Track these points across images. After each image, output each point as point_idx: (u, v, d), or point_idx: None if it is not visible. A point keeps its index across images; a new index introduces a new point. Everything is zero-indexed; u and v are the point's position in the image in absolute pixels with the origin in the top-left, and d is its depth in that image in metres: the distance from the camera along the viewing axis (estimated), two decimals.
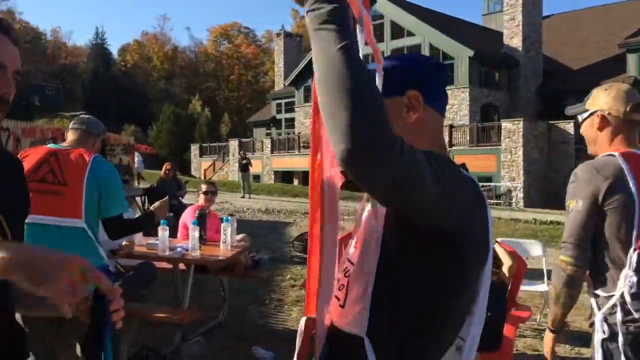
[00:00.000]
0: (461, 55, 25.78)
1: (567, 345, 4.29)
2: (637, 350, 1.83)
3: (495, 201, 20.92)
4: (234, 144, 32.39)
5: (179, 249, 4.21)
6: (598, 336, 1.91)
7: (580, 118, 2.13)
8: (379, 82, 1.19)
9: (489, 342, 3.45)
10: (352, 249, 1.27)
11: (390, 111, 1.16)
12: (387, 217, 1.13)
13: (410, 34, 28.44)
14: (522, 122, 21.68)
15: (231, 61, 65.94)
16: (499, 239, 4.92)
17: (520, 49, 26.55)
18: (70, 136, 2.90)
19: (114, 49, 72.26)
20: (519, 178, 21.57)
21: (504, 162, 21.90)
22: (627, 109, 1.96)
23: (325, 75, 0.95)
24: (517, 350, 4.35)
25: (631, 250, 1.83)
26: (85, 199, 2.64)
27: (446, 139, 23.43)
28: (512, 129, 21.74)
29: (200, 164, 35.54)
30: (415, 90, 1.20)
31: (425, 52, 27.65)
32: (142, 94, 58.45)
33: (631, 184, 1.86)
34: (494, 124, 23.43)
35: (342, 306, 1.21)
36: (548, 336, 2.13)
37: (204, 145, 37.08)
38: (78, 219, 2.64)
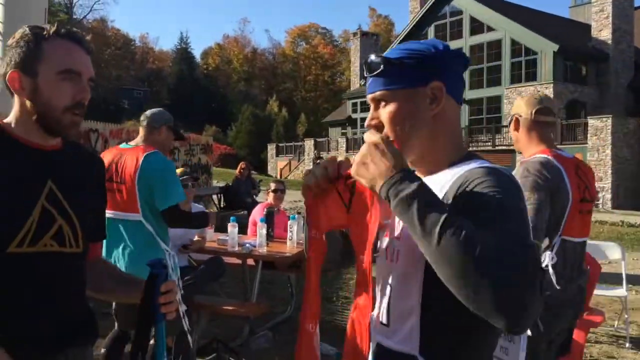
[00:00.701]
0: (545, 49, 24.67)
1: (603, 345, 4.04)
2: (543, 318, 2.18)
3: None
4: (309, 143, 32.80)
5: (247, 245, 4.35)
6: None
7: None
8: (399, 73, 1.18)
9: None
10: (385, 261, 1.24)
11: (413, 102, 1.17)
12: None
13: (490, 29, 27.55)
14: (610, 119, 20.45)
15: (308, 62, 66.68)
16: None
17: (609, 41, 25.02)
18: (139, 133, 3.12)
19: (197, 52, 75.25)
20: (607, 178, 20.36)
21: (590, 161, 20.72)
22: (533, 111, 2.34)
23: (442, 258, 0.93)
24: (591, 356, 4.15)
25: (557, 236, 2.25)
26: (139, 195, 2.88)
27: None
28: (600, 127, 20.55)
29: (276, 164, 36.26)
30: (438, 81, 1.18)
31: (507, 47, 26.72)
32: (222, 95, 60.40)
33: (568, 185, 2.24)
34: (579, 121, 22.25)
35: (387, 325, 1.20)
36: None
37: (280, 145, 37.78)
38: (136, 214, 2.89)
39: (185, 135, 3.80)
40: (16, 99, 1.34)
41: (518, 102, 2.46)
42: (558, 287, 2.24)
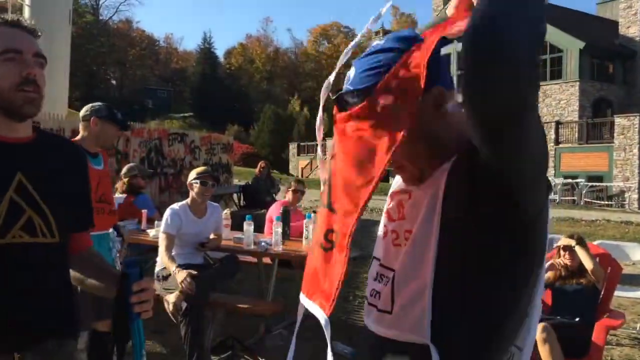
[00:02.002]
0: (571, 47, 24.26)
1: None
2: None
3: (607, 202, 19.49)
4: (330, 143, 32.76)
5: (262, 244, 4.37)
6: None
7: None
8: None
9: (576, 347, 3.27)
10: (383, 251, 1.18)
11: (419, 117, 1.03)
12: (446, 214, 1.02)
13: None
14: (637, 117, 20.04)
15: (330, 61, 66.56)
16: (596, 242, 4.61)
17: (638, 38, 24.53)
18: None
19: (220, 52, 75.70)
20: (634, 178, 19.92)
21: (616, 160, 20.34)
22: None
23: None
24: (612, 359, 4.06)
25: None
26: None
27: (552, 135, 22.24)
28: (627, 125, 20.13)
29: (298, 163, 36.33)
30: (438, 85, 1.05)
31: None
32: (245, 95, 60.72)
33: None
34: (605, 119, 21.84)
35: (390, 312, 1.09)
36: None
37: (302, 144, 37.85)
38: None
39: (128, 124, 3.80)
40: None
41: None
42: None
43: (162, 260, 3.90)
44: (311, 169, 34.20)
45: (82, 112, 3.22)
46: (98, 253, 1.63)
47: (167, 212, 4.05)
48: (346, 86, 1.11)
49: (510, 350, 1.08)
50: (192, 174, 4.20)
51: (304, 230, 4.60)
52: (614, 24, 26.24)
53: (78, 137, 3.20)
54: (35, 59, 1.37)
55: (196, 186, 4.11)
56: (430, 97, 1.04)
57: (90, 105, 3.28)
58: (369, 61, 1.07)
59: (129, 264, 1.37)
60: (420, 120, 1.04)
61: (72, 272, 1.51)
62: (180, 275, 3.62)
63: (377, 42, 1.10)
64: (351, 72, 1.11)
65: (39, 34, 1.42)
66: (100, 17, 58.33)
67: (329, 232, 1.13)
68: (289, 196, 5.49)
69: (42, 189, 1.37)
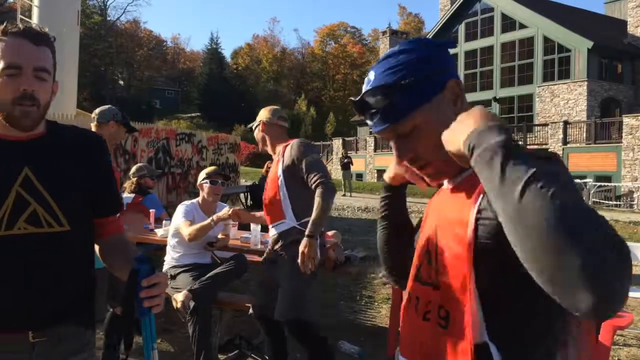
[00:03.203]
0: (579, 46, 24.15)
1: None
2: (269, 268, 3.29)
3: (615, 203, 19.37)
4: (337, 142, 32.79)
5: (267, 243, 4.37)
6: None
7: (253, 126, 3.45)
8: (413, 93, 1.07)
9: None
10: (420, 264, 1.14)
11: (440, 115, 1.07)
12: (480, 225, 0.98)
13: (522, 26, 27.11)
14: None
15: (337, 61, 66.69)
16: None
17: None
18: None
19: (227, 52, 75.99)
20: None
21: (625, 160, 20.20)
22: (276, 117, 3.36)
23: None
24: (619, 359, 4.05)
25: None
26: None
27: (560, 135, 22.15)
28: (635, 125, 19.98)
29: None
30: (452, 78, 1.09)
31: (539, 44, 26.24)
32: (252, 95, 60.86)
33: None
34: (614, 119, 21.68)
35: (445, 327, 1.04)
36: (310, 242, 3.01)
37: None
38: None
39: (136, 128, 3.97)
40: None
41: (262, 111, 3.45)
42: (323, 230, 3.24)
43: (192, 231, 3.91)
44: None
45: (99, 114, 3.37)
46: (126, 240, 1.67)
47: (181, 208, 4.10)
48: (365, 88, 1.13)
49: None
50: (202, 175, 4.22)
51: None
52: (623, 23, 26.09)
53: None
54: (35, 73, 1.41)
55: (206, 186, 4.14)
56: (448, 90, 1.08)
57: (107, 107, 3.45)
58: (390, 62, 1.10)
59: (140, 260, 1.40)
60: (440, 115, 1.07)
61: (107, 262, 1.61)
62: (180, 296, 3.67)
63: (394, 48, 1.13)
64: (371, 76, 1.13)
65: (49, 39, 1.46)
66: (108, 18, 58.62)
67: (440, 308, 1.07)
68: None
69: (49, 182, 1.44)
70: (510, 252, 0.82)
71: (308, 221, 3.06)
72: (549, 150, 17.78)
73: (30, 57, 1.41)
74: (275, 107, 3.50)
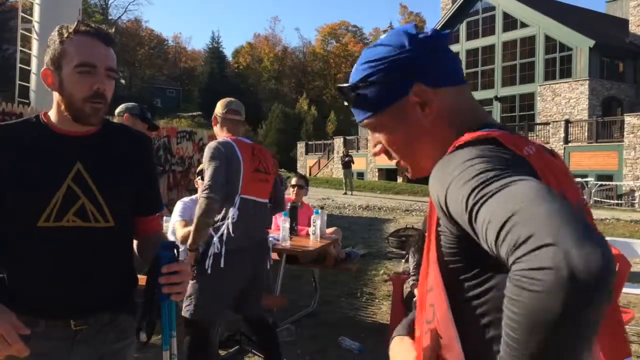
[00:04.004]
0: (580, 45, 24.13)
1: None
2: (230, 261, 3.01)
3: (617, 201, 19.37)
4: (338, 141, 32.80)
5: (270, 239, 4.38)
6: (212, 250, 3.01)
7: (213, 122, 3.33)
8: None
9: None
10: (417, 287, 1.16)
11: (404, 119, 1.02)
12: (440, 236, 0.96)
13: (523, 25, 27.09)
14: None
15: (338, 60, 66.64)
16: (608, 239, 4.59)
17: None
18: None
19: (228, 51, 75.83)
20: None
21: (626, 159, 20.19)
22: (225, 111, 3.26)
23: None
24: None
25: (237, 196, 3.06)
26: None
27: (562, 134, 22.11)
28: (637, 124, 19.97)
29: (306, 162, 36.37)
30: (419, 81, 0.98)
31: (540, 43, 26.23)
32: (253, 94, 60.83)
33: (240, 157, 3.07)
34: (615, 118, 21.67)
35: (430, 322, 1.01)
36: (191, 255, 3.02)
37: (310, 143, 37.89)
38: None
39: (157, 126, 3.91)
40: (53, 93, 1.50)
41: (218, 104, 3.32)
42: (233, 235, 3.00)
43: (181, 236, 3.87)
44: (319, 168, 34.23)
45: (117, 110, 3.52)
46: (163, 238, 1.71)
47: (180, 205, 4.09)
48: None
49: None
50: (198, 171, 4.22)
51: (312, 226, 4.62)
52: (624, 22, 26.06)
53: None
54: (107, 73, 1.47)
55: (201, 183, 4.13)
56: (411, 98, 1.00)
57: (126, 104, 3.58)
58: (366, 54, 1.07)
59: (164, 246, 1.42)
60: (411, 127, 1.02)
61: (144, 259, 1.65)
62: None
63: (378, 39, 1.09)
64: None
65: (116, 40, 1.53)
66: (109, 17, 58.61)
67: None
68: (291, 192, 5.46)
69: (99, 178, 1.50)
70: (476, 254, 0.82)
71: (219, 226, 3.03)
72: (549, 149, 17.74)
73: (103, 57, 1.46)
74: (230, 99, 3.34)
